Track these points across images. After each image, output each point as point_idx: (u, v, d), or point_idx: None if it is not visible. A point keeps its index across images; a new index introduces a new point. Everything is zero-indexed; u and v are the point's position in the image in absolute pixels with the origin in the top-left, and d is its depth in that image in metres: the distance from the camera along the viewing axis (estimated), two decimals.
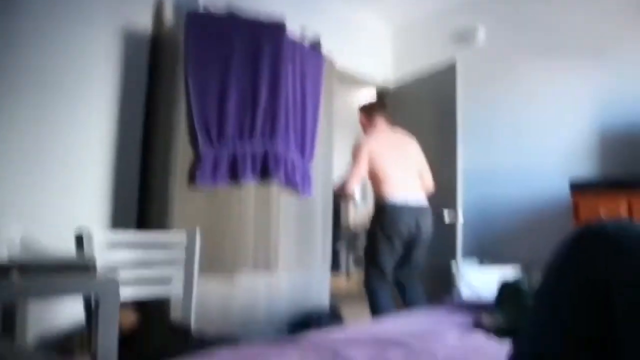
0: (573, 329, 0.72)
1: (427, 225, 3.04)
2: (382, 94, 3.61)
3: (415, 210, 3.00)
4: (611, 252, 0.69)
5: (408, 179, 3.09)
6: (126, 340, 1.59)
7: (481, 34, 3.91)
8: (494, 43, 3.87)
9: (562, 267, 0.78)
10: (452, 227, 3.44)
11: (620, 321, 0.66)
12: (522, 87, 3.65)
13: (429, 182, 3.25)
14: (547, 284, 0.81)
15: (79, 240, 1.66)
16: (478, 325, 1.75)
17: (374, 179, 3.04)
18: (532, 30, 3.63)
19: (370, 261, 3.02)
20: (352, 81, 4.24)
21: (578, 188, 2.87)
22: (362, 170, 3.00)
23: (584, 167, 3.21)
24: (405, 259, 3.06)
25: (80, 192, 2.38)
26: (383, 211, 2.96)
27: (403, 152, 3.17)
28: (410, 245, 3.01)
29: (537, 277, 2.03)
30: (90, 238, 1.67)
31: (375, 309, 2.96)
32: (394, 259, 3.02)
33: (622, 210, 2.68)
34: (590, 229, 0.75)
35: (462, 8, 4.11)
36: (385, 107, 3.44)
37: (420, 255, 3.11)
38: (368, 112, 3.28)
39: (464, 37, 4.02)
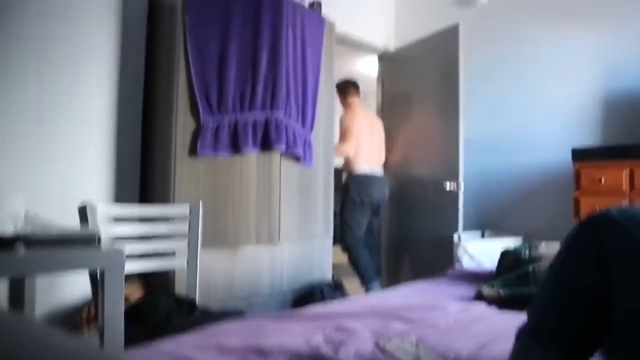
0: (577, 299, 0.83)
1: (387, 194, 3.74)
2: (354, 81, 3.92)
3: (381, 181, 3.69)
4: (612, 229, 0.81)
5: (375, 154, 3.72)
6: (132, 312, 1.62)
7: None
8: (497, 4, 3.77)
9: (570, 247, 0.88)
10: (454, 198, 3.44)
11: (616, 283, 0.78)
12: (525, 50, 3.58)
13: (384, 157, 3.90)
14: (557, 262, 0.90)
15: (83, 214, 1.66)
16: (479, 296, 1.78)
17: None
18: None
19: (348, 224, 3.51)
20: (354, 46, 4.16)
21: (580, 157, 2.87)
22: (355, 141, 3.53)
23: (587, 134, 3.19)
24: (369, 224, 3.66)
25: (83, 166, 2.37)
26: (359, 180, 3.54)
27: (374, 131, 3.75)
28: (375, 211, 3.71)
29: (537, 246, 2.06)
30: (94, 212, 1.67)
31: (358, 265, 3.48)
32: (365, 223, 3.59)
33: (624, 179, 2.69)
34: (596, 214, 0.86)
35: None
36: (358, 88, 3.86)
37: (379, 220, 3.88)
38: (343, 90, 3.76)
39: None
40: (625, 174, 2.68)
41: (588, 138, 3.17)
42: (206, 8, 2.38)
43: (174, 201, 2.28)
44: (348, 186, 3.57)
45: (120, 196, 2.48)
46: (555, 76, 3.41)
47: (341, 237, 3.54)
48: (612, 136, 3.06)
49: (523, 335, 0.89)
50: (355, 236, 3.52)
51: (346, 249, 3.55)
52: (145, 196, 2.55)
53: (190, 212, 1.95)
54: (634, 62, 2.99)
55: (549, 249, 2.01)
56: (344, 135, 3.57)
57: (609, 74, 3.14)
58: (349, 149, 3.52)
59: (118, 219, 1.78)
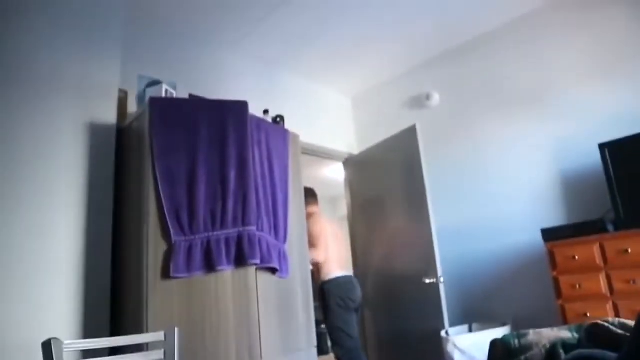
0: None
1: (361, 295, 3.68)
2: (311, 189, 3.98)
3: (356, 282, 3.68)
4: None
5: (343, 258, 3.80)
6: None
7: (435, 97, 4.11)
8: (448, 104, 4.07)
9: None
10: (436, 293, 3.40)
11: None
12: (481, 140, 3.81)
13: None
14: None
15: (47, 351, 1.56)
16: None
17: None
18: (482, 88, 3.85)
19: (342, 328, 3.42)
20: (318, 155, 4.33)
21: (550, 237, 2.93)
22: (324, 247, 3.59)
23: (551, 213, 3.30)
24: None
25: (49, 301, 2.24)
26: (337, 283, 3.52)
27: (336, 235, 3.84)
28: (356, 312, 3.62)
29: (525, 335, 2.01)
30: (60, 349, 1.57)
31: None
32: (355, 325, 3.53)
33: (596, 253, 2.73)
34: None
35: (414, 76, 4.36)
36: (316, 196, 3.94)
37: (358, 322, 3.71)
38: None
39: (420, 101, 4.23)
40: (596, 248, 2.74)
41: (553, 217, 3.26)
42: (173, 132, 2.45)
43: (147, 329, 2.16)
44: (326, 292, 3.54)
45: (90, 329, 2.34)
46: (513, 162, 3.60)
47: (334, 344, 3.43)
48: (576, 213, 3.17)
49: None
50: (353, 340, 3.45)
51: (344, 355, 3.42)
52: (117, 326, 2.42)
53: (165, 339, 1.85)
54: (580, 141, 3.19)
55: (538, 336, 1.96)
56: (313, 242, 3.55)
57: (560, 155, 3.34)
58: (321, 255, 3.57)
59: (87, 355, 1.67)
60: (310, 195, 3.83)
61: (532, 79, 3.56)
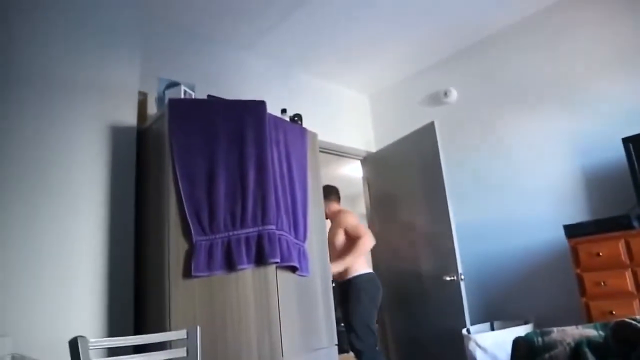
0: None
1: None
2: (333, 187, 3.98)
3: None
4: None
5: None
6: None
7: (453, 94, 4.07)
8: (467, 100, 4.03)
9: None
10: (457, 291, 3.38)
11: None
12: (501, 136, 3.76)
13: None
14: None
15: (74, 349, 1.59)
16: None
17: None
18: (501, 84, 3.80)
19: (369, 325, 3.34)
20: (337, 153, 4.32)
21: (573, 233, 2.88)
22: None
23: (575, 210, 3.24)
24: None
25: (74, 301, 2.30)
26: (365, 279, 3.43)
27: None
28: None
29: (549, 332, 1.98)
30: (86, 347, 1.61)
31: None
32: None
33: (621, 250, 2.68)
34: None
35: (431, 72, 4.32)
36: (338, 193, 3.88)
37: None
38: (326, 195, 3.66)
39: (438, 98, 4.19)
40: (621, 244, 2.69)
41: (576, 213, 3.21)
42: (192, 133, 2.48)
43: (170, 327, 2.20)
44: (357, 286, 3.43)
45: (115, 327, 2.38)
46: (533, 158, 3.54)
47: (357, 339, 3.33)
48: (600, 209, 3.11)
49: None
50: (374, 337, 3.38)
51: (366, 350, 3.31)
52: (140, 324, 2.46)
53: (187, 337, 1.87)
54: (603, 135, 3.13)
55: (562, 334, 1.93)
56: (358, 231, 3.51)
57: (583, 150, 3.28)
58: (372, 239, 3.51)
59: (112, 353, 1.70)
60: (334, 192, 3.83)
61: (552, 74, 3.50)
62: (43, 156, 2.35)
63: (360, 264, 3.51)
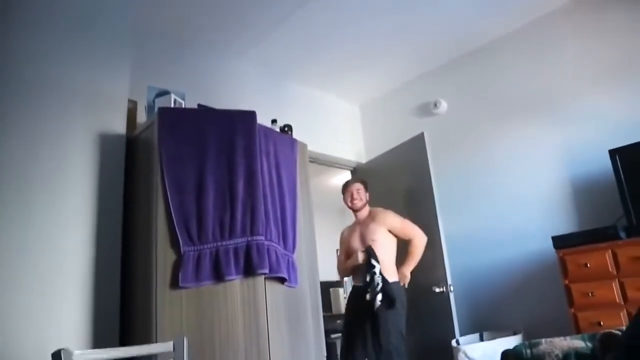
0: None
1: None
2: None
3: None
4: None
5: None
6: None
7: (443, 105, 4.10)
8: (457, 111, 4.06)
9: None
10: (446, 302, 3.37)
11: None
12: (489, 147, 3.79)
13: None
14: None
15: None
16: None
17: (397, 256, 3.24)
18: (491, 95, 3.84)
19: (403, 340, 3.02)
20: (327, 163, 4.32)
21: (561, 244, 2.90)
22: None
23: (562, 221, 3.26)
24: None
25: (58, 312, 2.25)
26: (400, 289, 3.13)
27: None
28: None
29: (537, 344, 1.98)
30: (69, 358, 1.57)
31: None
32: None
33: (608, 260, 2.70)
34: None
35: (421, 83, 4.35)
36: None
37: None
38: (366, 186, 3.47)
39: (427, 109, 4.22)
40: (608, 255, 2.71)
41: (564, 224, 3.23)
42: (182, 142, 2.47)
43: (157, 339, 2.17)
44: (395, 293, 3.02)
45: (100, 339, 2.34)
46: (521, 169, 3.57)
47: (394, 350, 2.97)
48: (587, 220, 3.14)
49: None
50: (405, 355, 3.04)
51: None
52: (126, 336, 2.43)
53: (174, 349, 1.84)
54: (590, 147, 3.16)
55: (550, 345, 1.94)
56: (409, 226, 3.26)
57: (570, 161, 3.31)
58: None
59: None
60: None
61: (541, 86, 3.54)
62: (31, 163, 2.32)
63: (391, 271, 3.18)
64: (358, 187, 3.42)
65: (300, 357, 2.62)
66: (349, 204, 3.42)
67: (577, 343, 1.75)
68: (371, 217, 3.35)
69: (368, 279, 3.03)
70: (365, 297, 3.00)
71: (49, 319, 2.21)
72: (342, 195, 3.49)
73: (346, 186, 3.47)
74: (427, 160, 3.69)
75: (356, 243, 3.29)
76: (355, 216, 3.45)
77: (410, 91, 4.41)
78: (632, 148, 2.78)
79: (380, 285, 2.99)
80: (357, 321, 3.14)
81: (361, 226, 3.34)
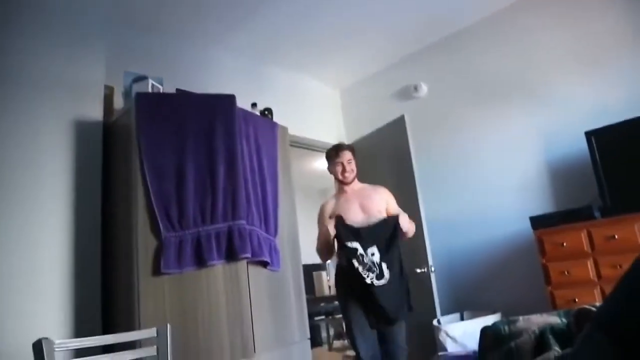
0: None
1: None
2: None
3: None
4: None
5: None
6: None
7: (423, 88, 4.11)
8: (437, 95, 4.07)
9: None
10: (427, 283, 3.42)
11: None
12: (468, 131, 3.82)
13: None
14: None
15: (39, 351, 1.54)
16: None
17: None
18: (470, 79, 3.86)
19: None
20: (308, 147, 4.32)
21: (539, 225, 2.95)
22: None
23: (540, 202, 3.32)
24: None
25: (39, 301, 2.23)
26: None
27: None
28: None
29: (515, 321, 2.03)
30: (51, 349, 1.56)
31: None
32: None
33: (584, 240, 2.77)
34: None
35: (402, 67, 4.35)
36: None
37: None
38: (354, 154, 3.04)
39: (408, 92, 4.22)
40: (584, 235, 2.77)
41: (542, 205, 3.29)
42: (160, 128, 2.44)
43: (139, 326, 2.16)
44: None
45: (82, 327, 2.33)
46: (500, 151, 3.62)
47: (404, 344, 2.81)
48: (564, 201, 3.20)
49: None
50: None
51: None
52: (108, 324, 2.42)
53: (157, 335, 1.85)
54: (567, 130, 3.22)
55: (527, 322, 1.99)
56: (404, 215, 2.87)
57: (547, 144, 3.36)
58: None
59: (80, 354, 1.66)
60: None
61: (519, 70, 3.57)
62: (6, 152, 2.28)
63: None
64: (349, 157, 2.94)
65: (284, 340, 2.65)
66: (340, 177, 2.92)
67: (553, 319, 1.80)
68: (372, 188, 2.98)
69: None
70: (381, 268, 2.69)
71: (28, 309, 2.19)
72: (326, 164, 3.04)
73: (335, 155, 2.95)
74: (407, 143, 3.70)
75: (357, 215, 2.80)
76: (343, 189, 2.96)
77: (391, 75, 4.41)
78: (607, 130, 2.84)
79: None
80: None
81: (358, 197, 2.88)
